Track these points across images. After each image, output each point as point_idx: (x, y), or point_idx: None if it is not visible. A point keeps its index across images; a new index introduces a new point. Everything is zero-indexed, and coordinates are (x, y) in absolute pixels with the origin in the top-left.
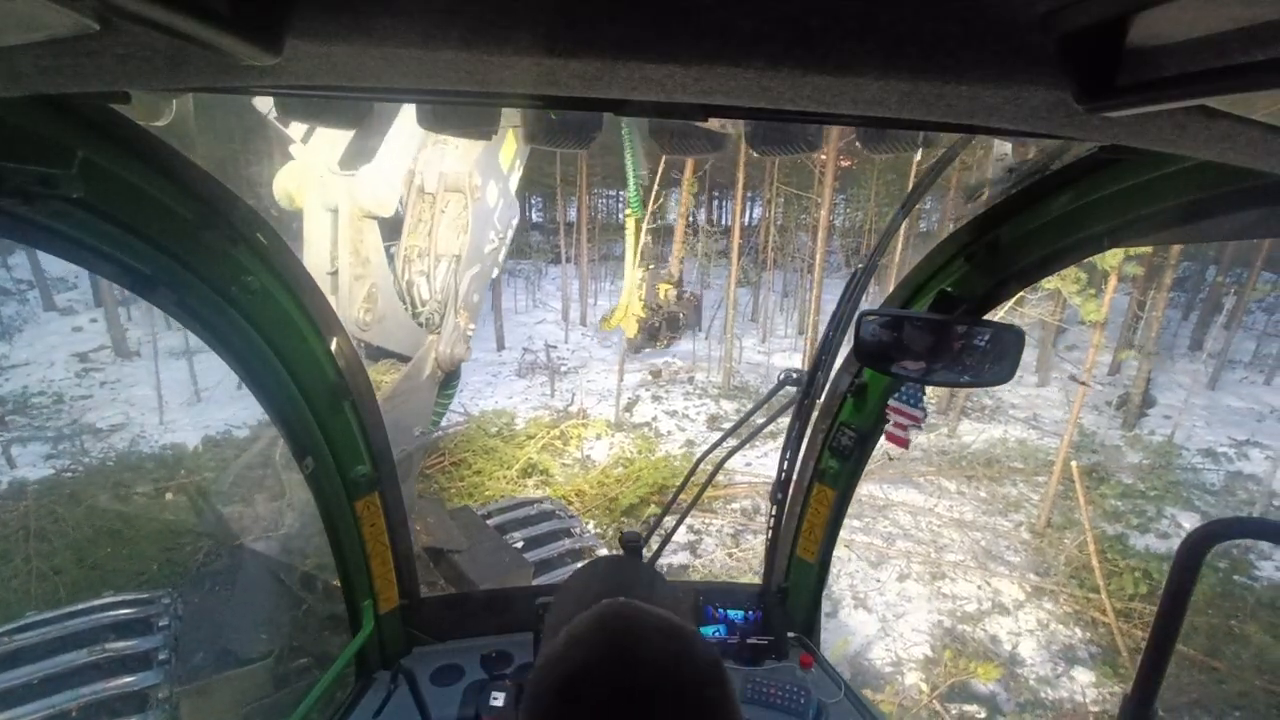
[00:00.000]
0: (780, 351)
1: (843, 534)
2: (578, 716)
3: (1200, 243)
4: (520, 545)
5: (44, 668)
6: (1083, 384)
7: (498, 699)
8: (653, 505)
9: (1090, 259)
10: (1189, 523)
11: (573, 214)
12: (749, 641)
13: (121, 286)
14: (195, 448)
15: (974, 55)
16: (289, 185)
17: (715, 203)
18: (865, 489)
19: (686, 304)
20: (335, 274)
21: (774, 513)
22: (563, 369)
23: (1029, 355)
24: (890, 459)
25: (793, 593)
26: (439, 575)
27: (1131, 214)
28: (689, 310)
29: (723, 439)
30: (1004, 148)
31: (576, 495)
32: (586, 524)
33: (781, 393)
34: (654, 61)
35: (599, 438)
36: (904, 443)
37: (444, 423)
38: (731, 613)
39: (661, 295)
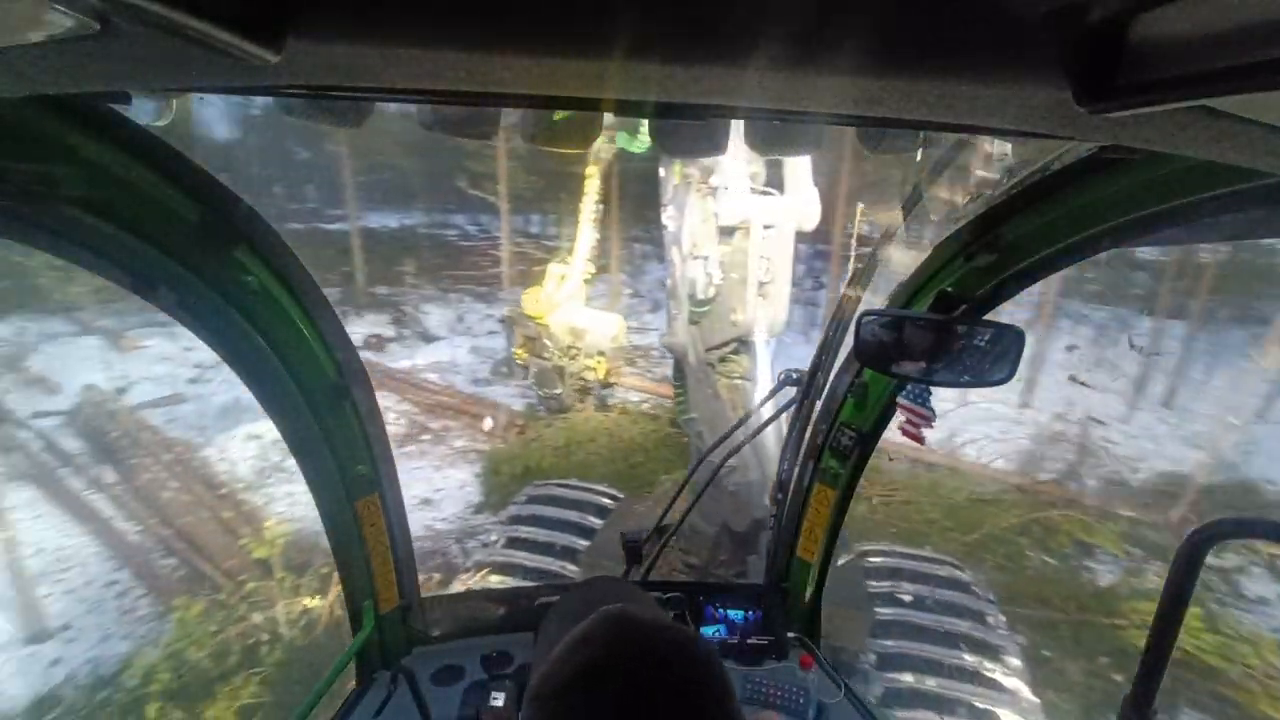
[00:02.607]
0: None
1: None
2: (591, 708)
3: (1201, 243)
4: (906, 599)
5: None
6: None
7: (498, 699)
8: None
9: None
10: None
11: None
12: (749, 641)
13: (122, 286)
14: None
15: (974, 55)
16: (731, 212)
17: None
18: None
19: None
20: (767, 284)
21: (774, 513)
22: (1105, 450)
23: None
24: None
25: (793, 593)
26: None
27: (1132, 214)
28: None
29: (722, 439)
30: (1004, 148)
31: (1038, 601)
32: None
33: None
34: (654, 61)
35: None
36: (920, 439)
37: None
38: (731, 613)
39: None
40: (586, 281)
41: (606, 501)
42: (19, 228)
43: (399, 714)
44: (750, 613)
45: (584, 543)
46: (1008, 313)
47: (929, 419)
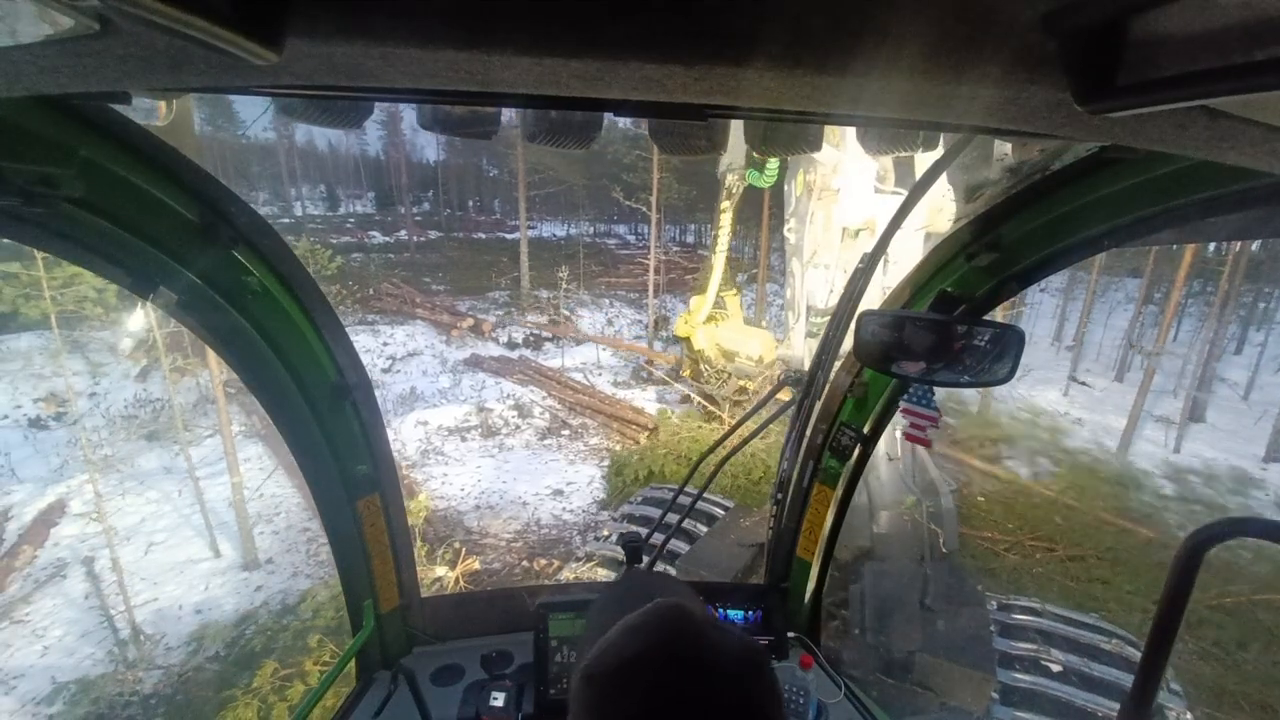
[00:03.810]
0: None
1: None
2: (638, 695)
3: (1201, 242)
4: (1053, 669)
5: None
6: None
7: (498, 699)
8: None
9: None
10: None
11: None
12: None
13: (121, 287)
14: None
15: (974, 55)
16: (853, 213)
17: None
18: None
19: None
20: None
21: (774, 512)
22: None
23: None
24: None
25: (793, 593)
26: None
27: (1132, 214)
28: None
29: (722, 439)
30: (1004, 148)
31: (1259, 707)
32: None
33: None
34: (654, 61)
35: None
36: (926, 442)
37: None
38: (732, 613)
39: (708, 346)
40: (736, 292)
41: (717, 511)
42: (19, 228)
43: (399, 714)
44: (750, 613)
45: (686, 547)
46: None
47: (934, 420)
